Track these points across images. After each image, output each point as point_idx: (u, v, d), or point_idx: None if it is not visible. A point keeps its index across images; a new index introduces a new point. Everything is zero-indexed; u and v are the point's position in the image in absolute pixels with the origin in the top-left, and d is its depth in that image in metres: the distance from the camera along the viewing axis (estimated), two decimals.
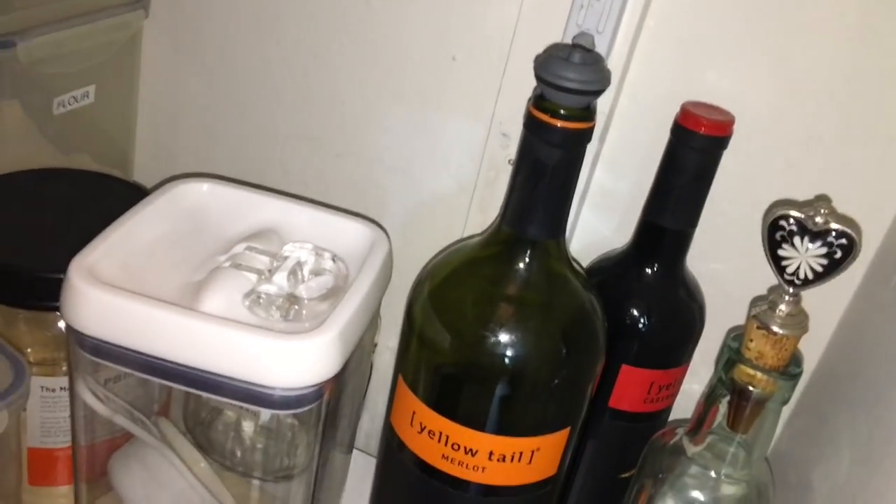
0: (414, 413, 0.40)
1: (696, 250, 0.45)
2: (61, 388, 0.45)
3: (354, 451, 0.55)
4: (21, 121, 0.50)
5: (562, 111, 0.34)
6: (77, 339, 0.36)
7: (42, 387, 0.44)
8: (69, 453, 0.47)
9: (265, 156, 0.56)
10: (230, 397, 0.35)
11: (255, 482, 0.48)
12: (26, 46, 0.46)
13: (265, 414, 0.48)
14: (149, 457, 0.41)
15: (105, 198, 0.48)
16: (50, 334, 0.44)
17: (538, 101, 0.35)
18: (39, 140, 0.52)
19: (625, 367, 0.44)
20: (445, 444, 0.39)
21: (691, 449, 0.38)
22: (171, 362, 0.34)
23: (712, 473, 0.37)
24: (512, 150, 0.47)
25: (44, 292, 0.42)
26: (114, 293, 0.34)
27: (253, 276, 0.38)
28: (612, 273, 0.46)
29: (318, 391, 0.36)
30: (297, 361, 0.34)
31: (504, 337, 0.38)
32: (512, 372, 0.38)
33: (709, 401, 0.38)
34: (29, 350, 0.44)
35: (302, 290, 0.39)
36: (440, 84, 0.50)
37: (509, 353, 0.38)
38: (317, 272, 0.40)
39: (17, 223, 0.45)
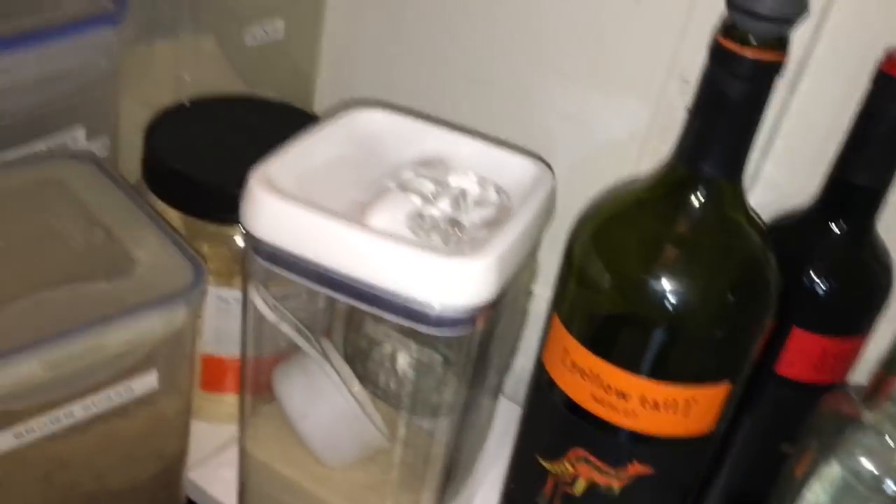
0: (566, 351, 0.39)
1: (891, 216, 0.41)
2: (235, 300, 0.48)
3: (502, 398, 0.55)
4: (215, 51, 0.54)
5: (752, 39, 0.32)
6: (253, 245, 0.38)
7: (218, 297, 0.47)
8: (237, 364, 0.50)
9: (437, 96, 0.57)
10: (389, 311, 0.36)
11: (404, 414, 0.49)
12: None
13: (420, 348, 0.49)
14: (310, 369, 0.43)
15: (286, 125, 0.50)
16: (228, 250, 0.47)
17: (727, 29, 0.33)
18: (230, 70, 0.55)
19: (796, 331, 0.42)
20: (596, 385, 0.38)
21: (867, 416, 0.35)
22: (337, 273, 0.36)
23: (890, 443, 0.34)
24: (690, 99, 0.45)
25: (227, 206, 0.45)
26: (289, 202, 0.36)
27: (417, 200, 0.39)
28: (793, 230, 0.43)
29: (472, 316, 0.36)
30: (455, 281, 0.34)
31: (668, 280, 0.36)
32: (673, 318, 0.37)
33: (890, 368, 0.35)
34: (209, 262, 0.47)
35: (463, 218, 0.39)
36: (621, 27, 0.49)
37: (672, 298, 0.36)
38: (479, 202, 0.40)
39: (206, 143, 0.48)
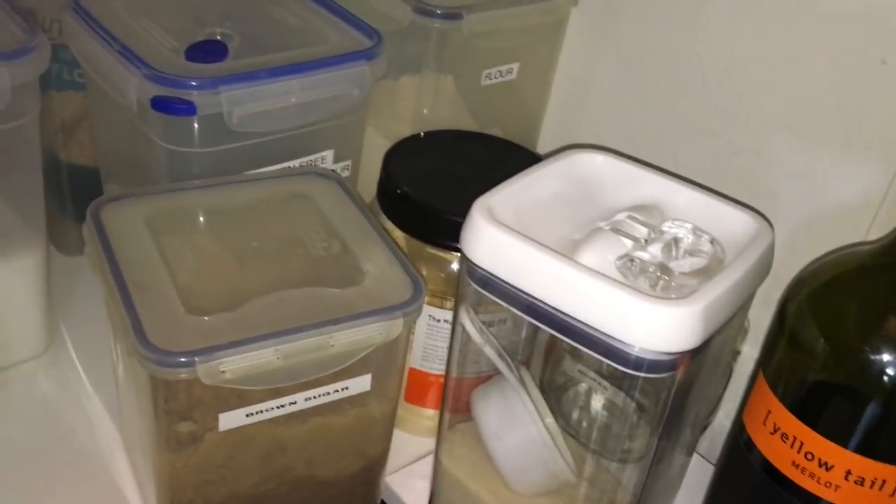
0: (769, 412, 0.38)
1: None
2: (445, 321, 0.51)
3: (695, 455, 0.54)
4: (453, 89, 0.58)
5: None
6: (468, 270, 0.40)
7: (430, 315, 0.51)
8: (440, 381, 0.53)
9: (660, 145, 0.57)
10: (591, 348, 0.37)
11: (592, 455, 0.49)
12: (470, 20, 0.53)
13: (615, 391, 0.49)
14: (507, 394, 0.45)
15: (510, 162, 0.54)
16: (443, 273, 0.50)
17: None
18: (464, 107, 0.59)
19: None
20: (799, 452, 0.37)
21: None
22: (545, 304, 0.37)
23: None
24: None
25: (447, 232, 0.49)
26: (507, 232, 0.38)
27: (629, 243, 0.40)
28: None
29: (673, 362, 0.36)
30: (659, 325, 0.35)
31: (890, 353, 0.35)
32: (891, 393, 0.35)
33: None
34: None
35: (674, 265, 0.39)
36: (864, 87, 0.47)
37: (891, 371, 0.35)
38: (692, 252, 0.40)
39: (436, 172, 0.52)
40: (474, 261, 0.39)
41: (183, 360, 0.37)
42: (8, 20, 0.47)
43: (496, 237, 0.38)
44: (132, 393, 0.44)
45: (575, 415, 0.53)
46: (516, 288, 0.38)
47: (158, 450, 0.41)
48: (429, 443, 0.54)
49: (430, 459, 0.53)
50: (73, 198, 0.62)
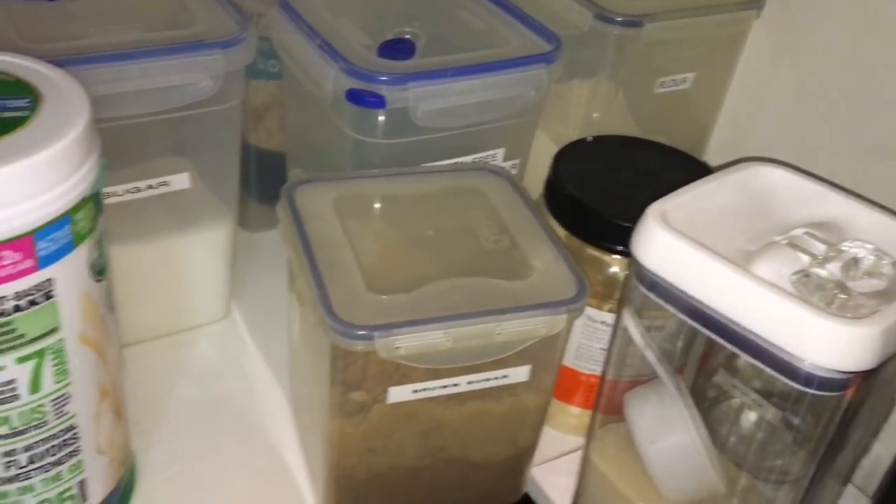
0: None
1: None
2: (602, 322, 0.52)
3: (850, 486, 0.53)
4: (625, 95, 0.59)
5: None
6: (638, 272, 0.41)
7: (587, 315, 0.52)
8: (590, 381, 0.54)
9: (838, 163, 0.56)
10: (759, 359, 0.37)
11: (742, 472, 0.49)
12: (651, 28, 0.54)
13: (770, 409, 0.49)
14: (664, 399, 0.46)
15: (676, 170, 0.54)
16: (601, 276, 0.51)
17: None
18: (635, 113, 0.59)
19: None
20: None
21: None
22: (716, 311, 0.38)
23: None
24: None
25: (610, 235, 0.50)
26: (680, 238, 0.39)
27: (805, 259, 0.40)
28: None
29: (845, 381, 0.36)
30: (836, 342, 0.35)
31: None
32: None
33: None
34: None
35: (851, 284, 0.39)
36: None
37: None
38: (872, 273, 0.40)
39: (602, 176, 0.53)
40: (645, 264, 0.40)
41: (363, 333, 0.40)
42: (224, 12, 0.52)
43: (670, 242, 0.39)
44: (309, 361, 0.48)
45: (724, 430, 0.53)
46: (686, 294, 0.39)
47: (331, 415, 0.44)
48: (573, 440, 0.56)
49: (574, 457, 0.54)
50: (257, 179, 0.67)
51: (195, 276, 0.58)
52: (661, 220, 0.40)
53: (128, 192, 0.51)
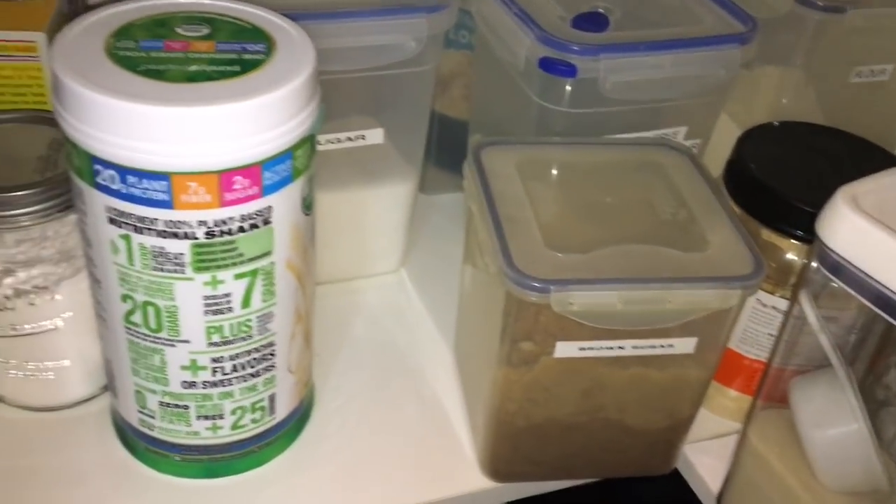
0: None
1: None
2: (773, 307, 0.51)
3: None
4: (818, 83, 0.58)
5: None
6: (821, 254, 0.41)
7: (758, 299, 0.52)
8: (753, 366, 0.54)
9: None
10: None
11: None
12: (854, 14, 0.53)
13: None
14: (834, 387, 0.45)
15: (866, 161, 0.53)
16: (777, 262, 0.51)
17: None
18: (825, 101, 0.58)
19: None
20: None
21: None
22: None
23: None
24: None
25: (793, 220, 0.49)
26: (870, 221, 0.39)
27: None
28: None
29: None
30: None
31: None
32: None
33: None
34: None
35: None
36: None
37: None
38: None
39: (788, 161, 0.53)
40: (831, 246, 0.40)
41: (539, 286, 0.42)
42: None
43: (859, 225, 0.39)
44: (480, 311, 0.51)
45: (891, 431, 0.51)
46: (874, 279, 0.38)
47: (498, 362, 0.47)
48: (728, 424, 0.56)
49: (726, 441, 0.54)
50: (436, 144, 0.70)
51: (376, 229, 0.63)
52: (852, 201, 0.40)
53: (329, 141, 0.55)
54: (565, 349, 0.45)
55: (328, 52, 0.50)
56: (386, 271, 0.65)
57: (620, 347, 0.46)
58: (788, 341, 0.47)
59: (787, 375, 0.49)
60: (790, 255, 0.51)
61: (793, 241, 0.50)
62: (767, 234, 0.51)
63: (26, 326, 0.48)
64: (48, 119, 0.49)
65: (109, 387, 0.49)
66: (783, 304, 0.51)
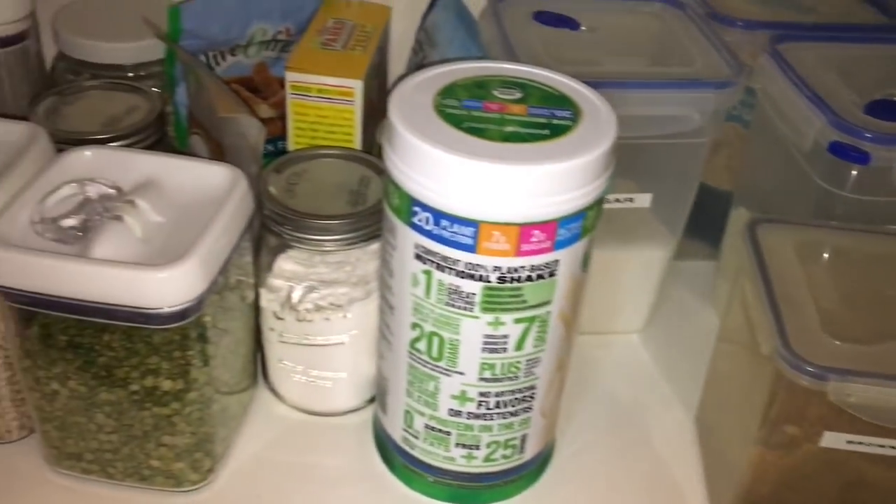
0: None
1: None
2: None
3: None
4: None
5: None
6: None
7: None
8: None
9: None
10: None
11: None
12: None
13: None
14: None
15: None
16: None
17: None
18: None
19: None
20: None
21: None
22: None
23: None
24: None
25: None
26: None
27: None
28: None
29: None
30: None
31: None
32: None
33: None
34: None
35: None
36: None
37: None
38: None
39: None
40: None
41: (817, 372, 0.42)
42: (718, 56, 0.56)
43: None
44: (737, 387, 0.51)
45: None
46: None
47: (755, 441, 0.46)
48: None
49: None
50: (692, 211, 0.71)
51: (627, 289, 0.64)
52: None
53: None
54: (833, 439, 0.44)
55: (622, 119, 0.53)
56: (629, 331, 0.66)
57: (892, 447, 0.44)
58: None
59: None
60: None
61: None
62: None
63: (318, 338, 0.54)
64: (361, 158, 0.55)
65: (379, 403, 0.54)
66: None
